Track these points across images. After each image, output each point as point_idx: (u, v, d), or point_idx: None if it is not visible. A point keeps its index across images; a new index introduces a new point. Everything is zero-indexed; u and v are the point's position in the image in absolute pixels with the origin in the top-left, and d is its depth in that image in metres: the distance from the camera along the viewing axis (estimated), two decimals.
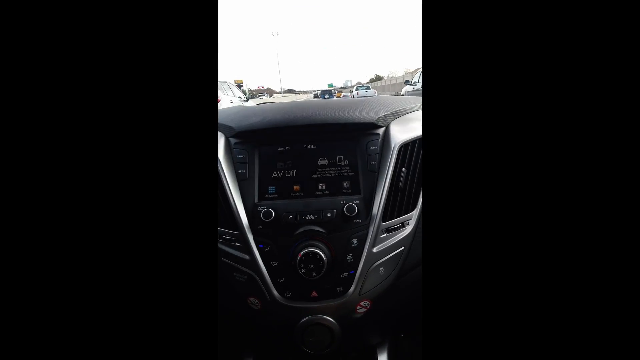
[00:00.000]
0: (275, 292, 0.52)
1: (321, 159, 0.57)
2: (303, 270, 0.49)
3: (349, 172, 0.56)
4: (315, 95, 25.03)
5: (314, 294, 0.52)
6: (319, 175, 0.56)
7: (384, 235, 0.52)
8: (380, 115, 0.58)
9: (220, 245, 0.53)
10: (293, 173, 0.57)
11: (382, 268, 0.52)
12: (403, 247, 0.53)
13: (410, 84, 8.99)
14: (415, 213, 0.54)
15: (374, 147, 0.56)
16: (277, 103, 0.73)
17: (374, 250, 0.52)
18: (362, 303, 0.53)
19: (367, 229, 0.52)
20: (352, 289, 0.52)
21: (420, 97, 0.69)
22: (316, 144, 0.58)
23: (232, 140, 0.59)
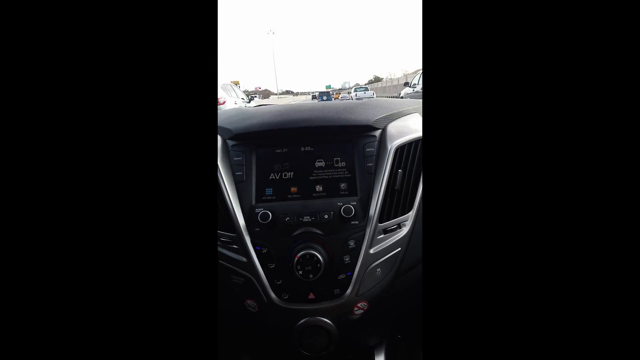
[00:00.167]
0: (272, 294, 0.52)
1: (318, 161, 0.57)
2: (300, 272, 0.49)
3: (346, 174, 0.56)
4: (314, 97, 25.07)
5: (312, 296, 0.52)
6: (316, 177, 0.57)
7: (381, 236, 0.52)
8: (377, 118, 0.59)
9: (217, 248, 0.53)
10: (290, 175, 0.57)
11: (379, 269, 0.52)
12: (400, 248, 0.53)
13: (410, 86, 8.86)
14: (411, 214, 0.54)
15: (371, 149, 0.57)
16: (275, 105, 0.73)
17: (371, 251, 0.52)
18: (359, 304, 0.53)
19: (364, 230, 0.52)
20: (349, 290, 0.52)
21: (419, 100, 0.69)
22: (313, 146, 0.58)
23: (230, 143, 0.59)
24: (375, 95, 20.78)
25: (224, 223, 0.53)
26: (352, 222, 0.53)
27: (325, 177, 0.57)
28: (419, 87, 7.75)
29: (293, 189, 0.56)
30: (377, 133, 0.58)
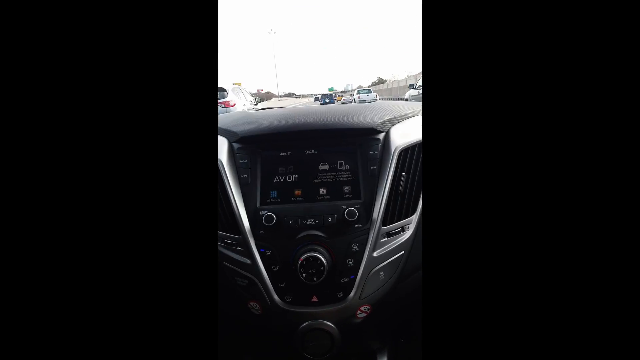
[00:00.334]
0: (275, 297, 0.52)
1: (322, 164, 0.58)
2: (304, 275, 0.49)
3: (350, 177, 0.57)
4: (317, 99, 25.08)
5: (315, 299, 0.52)
6: (320, 180, 0.57)
7: (384, 239, 0.52)
8: (381, 121, 0.59)
9: (222, 250, 0.54)
10: (294, 178, 0.57)
11: (382, 272, 0.52)
12: (403, 252, 0.53)
13: (415, 88, 8.73)
14: (414, 217, 0.54)
15: (374, 152, 0.57)
16: (280, 109, 0.74)
17: (374, 254, 0.52)
18: (362, 308, 0.53)
19: (368, 233, 0.52)
20: (352, 293, 0.52)
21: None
22: (317, 149, 0.58)
23: (235, 145, 0.59)
24: (378, 98, 20.70)
25: (229, 225, 0.54)
26: (356, 225, 0.53)
27: (329, 180, 0.57)
28: None
29: (297, 192, 0.56)
30: (381, 136, 0.58)
